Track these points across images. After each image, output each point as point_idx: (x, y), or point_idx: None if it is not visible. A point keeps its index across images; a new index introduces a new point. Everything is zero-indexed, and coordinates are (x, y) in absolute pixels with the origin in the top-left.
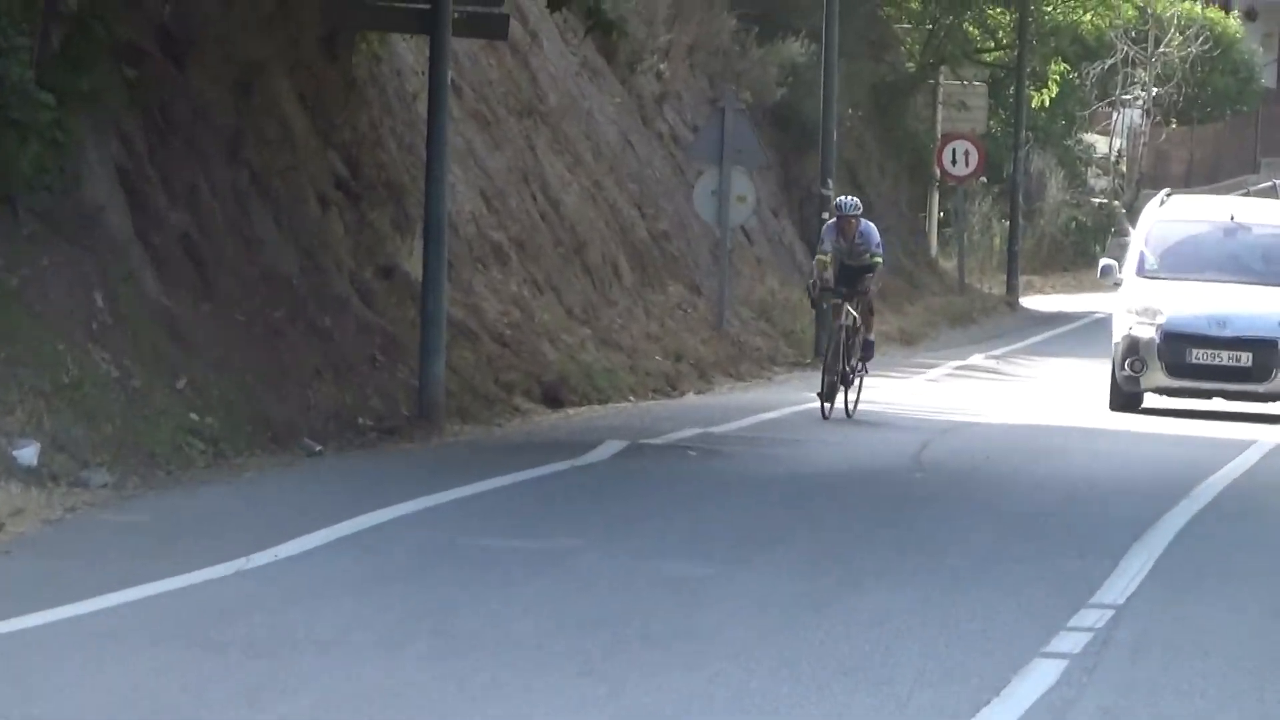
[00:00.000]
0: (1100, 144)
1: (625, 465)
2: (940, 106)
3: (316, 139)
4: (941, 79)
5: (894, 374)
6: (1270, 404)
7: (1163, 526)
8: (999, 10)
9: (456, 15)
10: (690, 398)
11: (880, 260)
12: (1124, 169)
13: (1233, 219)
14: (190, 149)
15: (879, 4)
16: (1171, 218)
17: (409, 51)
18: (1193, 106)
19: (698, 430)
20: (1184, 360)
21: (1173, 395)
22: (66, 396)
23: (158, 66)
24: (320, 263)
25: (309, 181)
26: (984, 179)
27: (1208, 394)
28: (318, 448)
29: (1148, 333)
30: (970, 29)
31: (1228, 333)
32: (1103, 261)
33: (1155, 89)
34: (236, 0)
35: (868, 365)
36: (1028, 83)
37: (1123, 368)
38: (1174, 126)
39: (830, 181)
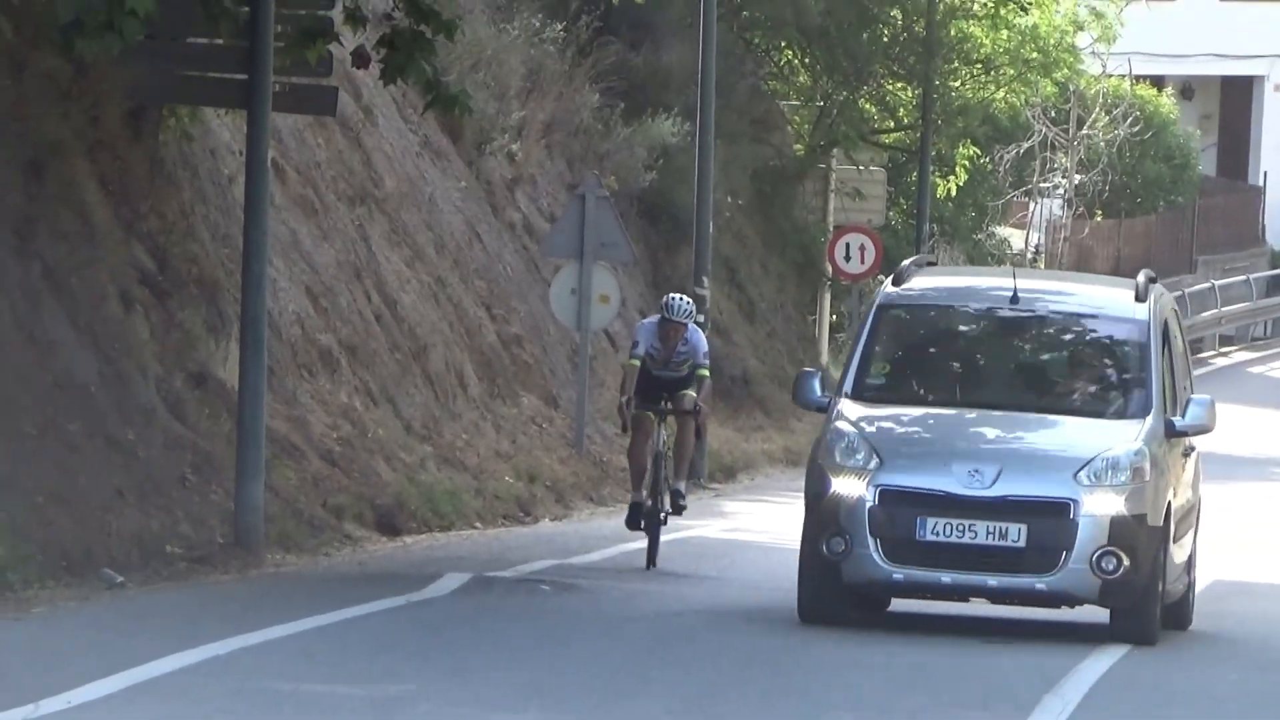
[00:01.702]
0: (1015, 238)
1: (468, 601)
2: (832, 195)
3: (119, 228)
4: (834, 164)
5: (776, 498)
6: (1058, 609)
7: (1080, 674)
8: (899, 86)
9: (278, 88)
10: (545, 524)
11: (706, 373)
12: (1042, 266)
13: (1015, 299)
14: None
15: (762, 78)
16: (916, 300)
17: (225, 128)
18: (1120, 196)
19: (552, 562)
20: (912, 536)
21: (897, 595)
22: None
23: None
24: (122, 369)
25: (110, 277)
26: (882, 277)
27: (953, 592)
28: (119, 579)
29: (856, 489)
30: (867, 106)
31: (990, 489)
32: (802, 373)
33: (1078, 176)
34: (28, 70)
35: (679, 507)
36: (932, 168)
37: (819, 548)
38: (1099, 219)
39: (706, 280)
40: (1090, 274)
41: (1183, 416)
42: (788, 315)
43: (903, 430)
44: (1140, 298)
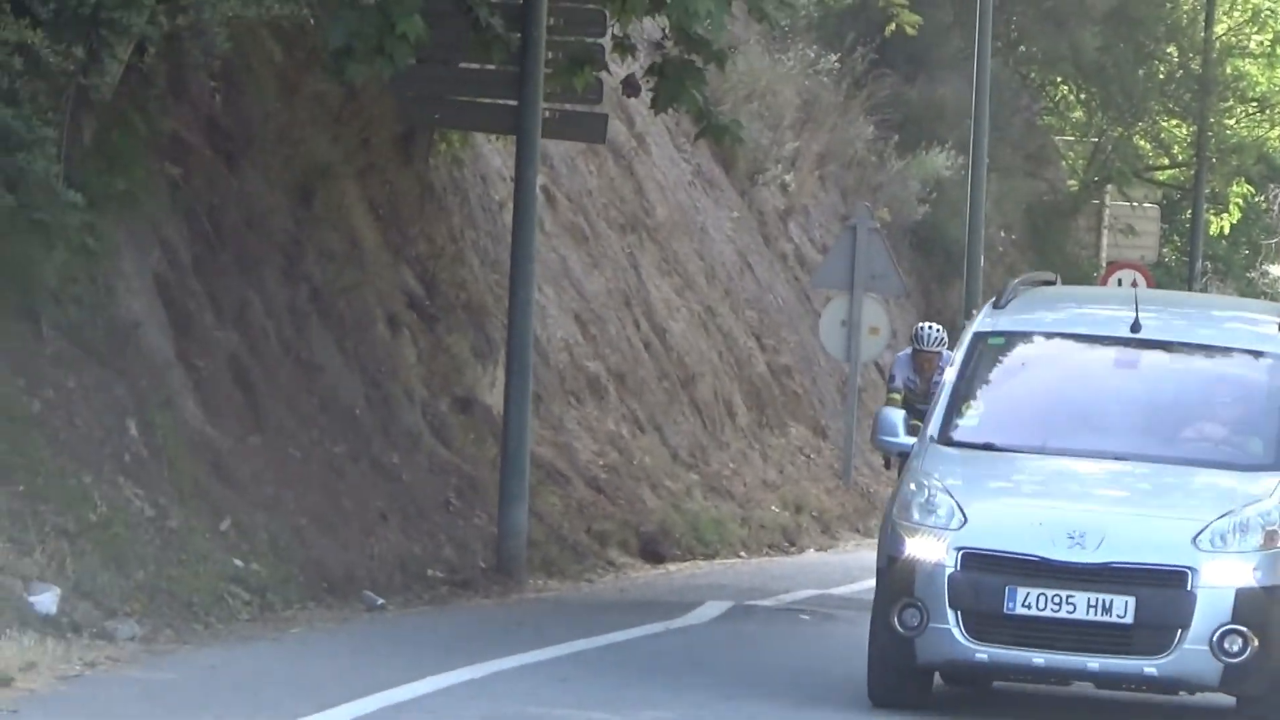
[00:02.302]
0: None
1: (728, 629)
2: (1105, 230)
3: (387, 252)
4: (1107, 199)
5: None
6: (1174, 694)
7: None
8: (1174, 123)
9: (548, 114)
10: (810, 554)
11: None
12: None
13: (1135, 326)
14: (242, 260)
15: (1037, 113)
16: (1018, 327)
17: (496, 154)
18: None
19: (815, 592)
20: (1000, 608)
21: (982, 677)
22: (93, 537)
23: (206, 165)
24: (388, 392)
25: (377, 300)
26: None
27: (1048, 676)
28: (379, 601)
29: (934, 552)
30: (1141, 143)
31: (1092, 554)
32: (882, 411)
33: None
34: (299, 93)
35: None
36: (1206, 206)
37: (891, 621)
38: None
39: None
40: (1233, 298)
41: None
42: None
43: (994, 483)
44: None
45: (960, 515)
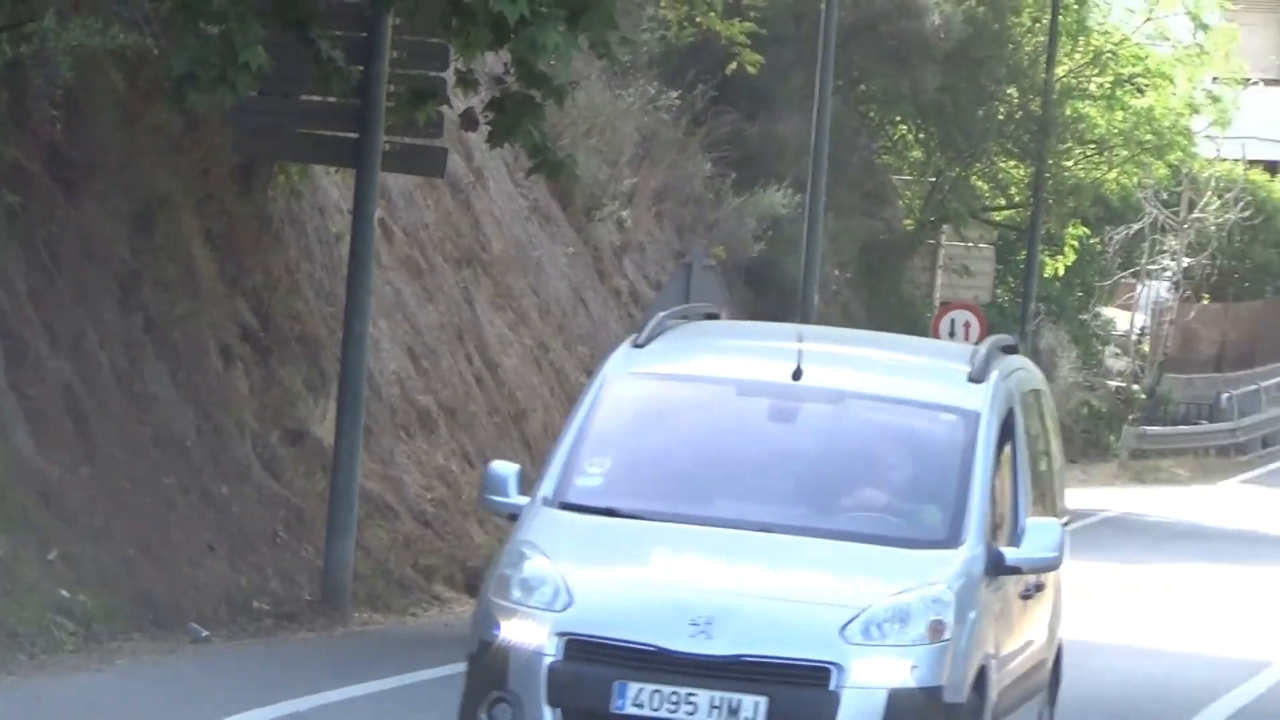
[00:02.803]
0: (1121, 320)
1: None
2: (940, 270)
3: (223, 283)
4: (943, 239)
5: None
6: None
7: None
8: (1012, 164)
9: (388, 147)
10: None
11: None
12: (1146, 349)
13: (796, 377)
14: (78, 290)
15: (875, 152)
16: (657, 370)
17: (334, 186)
18: (1228, 281)
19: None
20: (606, 707)
21: None
22: None
23: (45, 193)
24: (220, 424)
25: (211, 332)
26: None
27: None
28: (204, 633)
29: (533, 637)
30: (979, 183)
31: (718, 645)
32: (491, 468)
33: (1186, 259)
34: (140, 122)
35: None
36: (1041, 247)
37: (478, 718)
38: (1206, 303)
39: None
40: (924, 339)
41: (1018, 546)
42: None
43: (610, 557)
44: (976, 377)
45: (566, 594)
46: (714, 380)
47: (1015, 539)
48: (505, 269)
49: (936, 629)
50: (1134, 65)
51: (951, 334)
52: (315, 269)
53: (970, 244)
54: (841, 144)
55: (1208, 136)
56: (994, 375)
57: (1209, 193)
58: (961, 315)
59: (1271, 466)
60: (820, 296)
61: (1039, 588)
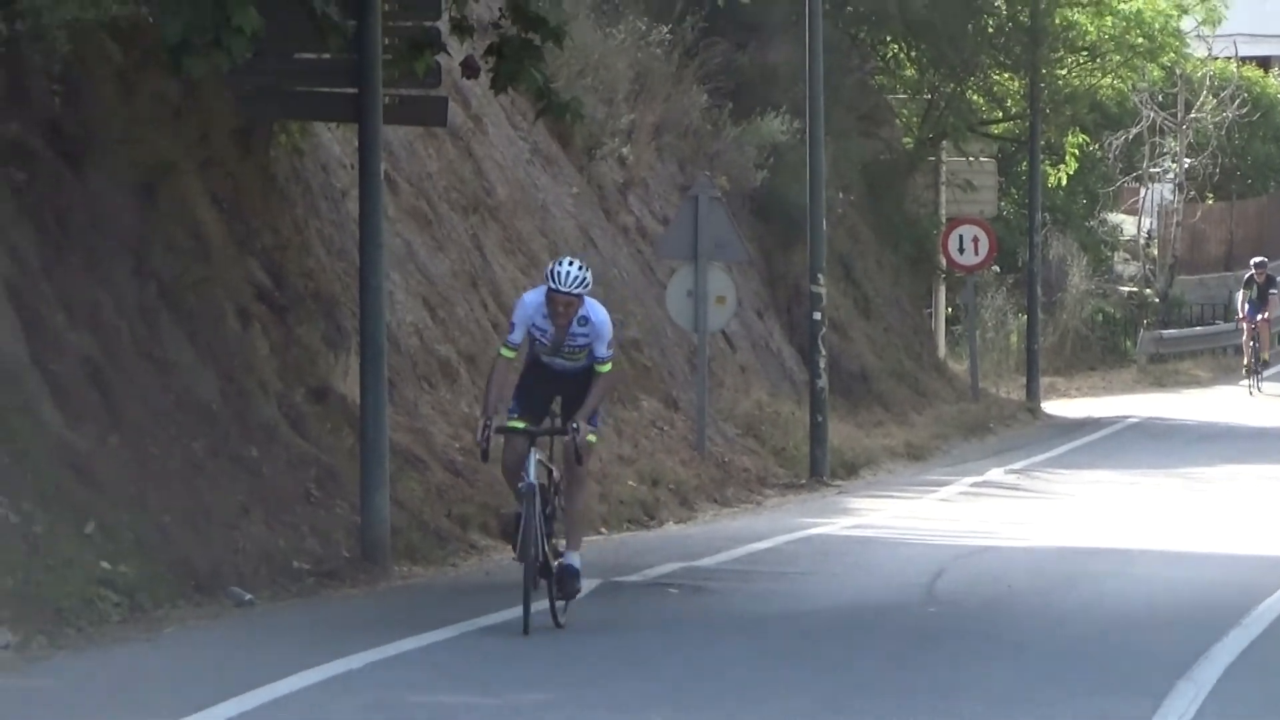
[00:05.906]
0: (1128, 225)
1: (598, 607)
2: (944, 187)
3: (233, 245)
4: (944, 156)
5: (902, 493)
6: None
7: (1212, 660)
8: (1006, 76)
9: (388, 100)
10: (670, 527)
11: (606, 370)
12: (1155, 252)
13: None
14: (90, 261)
15: (869, 73)
16: None
17: (335, 142)
18: (1231, 179)
19: (680, 564)
20: None
21: None
22: None
23: (50, 168)
24: (243, 386)
25: (226, 294)
26: (996, 268)
27: None
28: (247, 596)
29: None
30: (975, 98)
31: None
32: None
33: (1187, 160)
34: (138, 92)
35: (572, 590)
36: (1042, 157)
37: None
38: (1210, 202)
39: (821, 277)
40: None
41: None
42: (903, 310)
43: None
44: None
45: None
46: None
47: None
48: (512, 213)
49: None
50: None
51: (961, 250)
52: (324, 225)
53: (971, 159)
54: (834, 67)
55: (1198, 36)
56: None
57: (1204, 92)
58: (970, 230)
59: None
60: (827, 221)
61: None
